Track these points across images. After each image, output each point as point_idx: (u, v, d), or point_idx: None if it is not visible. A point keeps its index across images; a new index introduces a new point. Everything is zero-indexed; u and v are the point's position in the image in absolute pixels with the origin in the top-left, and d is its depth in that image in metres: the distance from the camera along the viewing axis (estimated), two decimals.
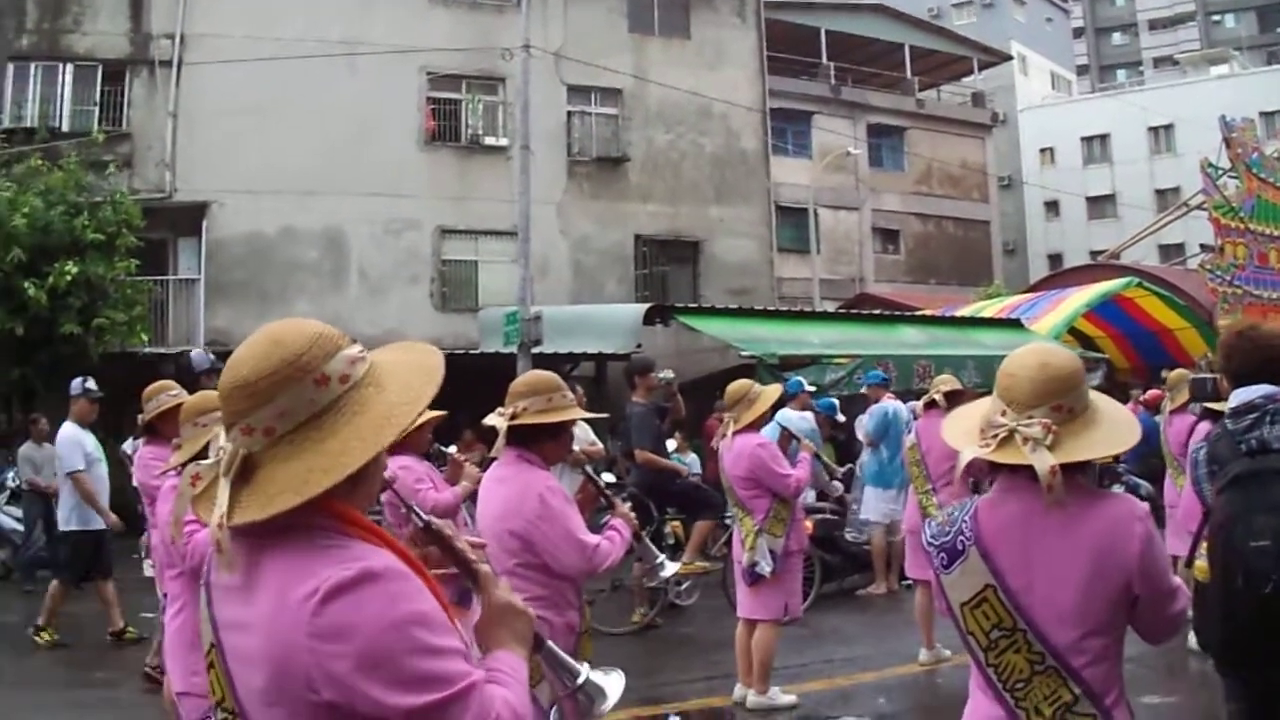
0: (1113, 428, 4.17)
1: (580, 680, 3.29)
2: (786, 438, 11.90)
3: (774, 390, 11.56)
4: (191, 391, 12.50)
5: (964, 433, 4.34)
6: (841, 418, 19.81)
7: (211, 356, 14.38)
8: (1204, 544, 6.01)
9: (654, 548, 7.97)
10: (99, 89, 33.28)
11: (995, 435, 4.09)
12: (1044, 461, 3.94)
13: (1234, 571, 5.61)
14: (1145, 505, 4.22)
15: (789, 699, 11.20)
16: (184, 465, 6.22)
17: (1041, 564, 4.07)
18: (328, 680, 2.63)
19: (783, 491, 10.78)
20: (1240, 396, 6.16)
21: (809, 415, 17.25)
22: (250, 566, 2.81)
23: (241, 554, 2.81)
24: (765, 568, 10.72)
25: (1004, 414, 4.11)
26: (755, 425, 10.93)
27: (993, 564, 4.12)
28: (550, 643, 3.30)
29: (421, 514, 3.26)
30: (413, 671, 2.64)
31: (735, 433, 10.83)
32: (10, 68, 32.94)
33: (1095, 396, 4.27)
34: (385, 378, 2.91)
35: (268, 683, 2.73)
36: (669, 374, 16.13)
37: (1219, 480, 5.97)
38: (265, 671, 2.72)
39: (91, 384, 15.18)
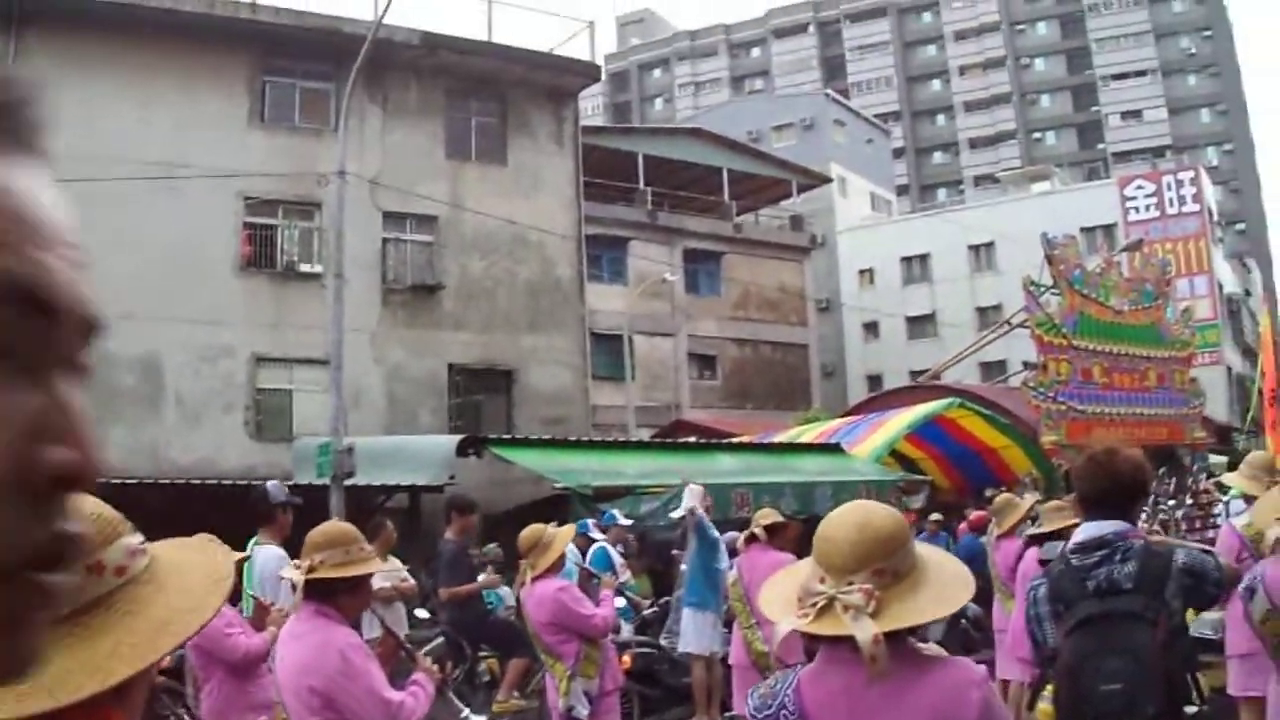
0: (941, 588, 3.99)
1: None
2: (586, 576, 12.04)
3: (568, 531, 11.54)
4: (265, 524, 12.31)
5: (781, 601, 4.17)
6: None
7: (286, 489, 14.04)
8: (1047, 687, 6.01)
9: (457, 701, 7.88)
10: None
11: (814, 604, 3.91)
12: (866, 631, 3.77)
13: (1083, 716, 5.59)
14: (982, 669, 4.05)
15: None
16: None
17: None
18: None
19: (589, 633, 10.62)
20: (1089, 531, 6.13)
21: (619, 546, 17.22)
22: None
23: None
24: (582, 711, 10.56)
25: (822, 580, 3.94)
26: (553, 569, 10.78)
27: None
28: None
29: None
30: None
31: (534, 579, 10.70)
32: None
33: (922, 551, 4.13)
34: (165, 576, 2.64)
35: None
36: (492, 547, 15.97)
37: (1066, 621, 5.94)
38: None
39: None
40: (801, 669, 4.14)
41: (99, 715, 2.38)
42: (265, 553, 11.41)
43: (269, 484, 13.03)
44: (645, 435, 39.08)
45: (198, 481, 25.55)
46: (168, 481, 23.96)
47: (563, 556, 10.97)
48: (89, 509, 2.55)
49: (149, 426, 32.28)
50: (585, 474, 23.71)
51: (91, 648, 2.42)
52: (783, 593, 4.20)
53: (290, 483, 27.30)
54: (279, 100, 36.71)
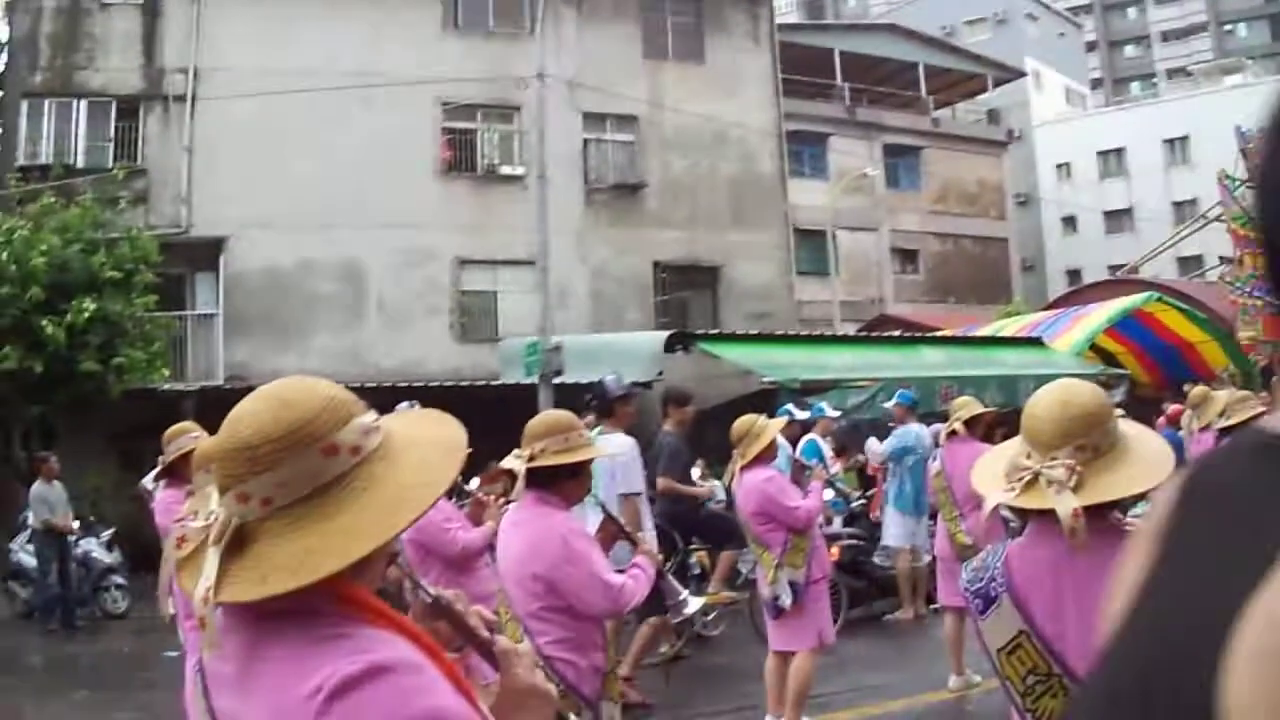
0: (1142, 464, 4.06)
1: None
2: (799, 467, 11.92)
3: (778, 423, 11.56)
4: (608, 418, 12.34)
5: (991, 477, 4.28)
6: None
7: (626, 381, 14.28)
8: None
9: (677, 584, 7.85)
10: (113, 125, 33.39)
11: (1020, 479, 4.04)
12: (1066, 505, 3.89)
13: None
14: None
15: None
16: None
17: (1074, 610, 3.99)
18: None
19: (794, 524, 10.66)
20: None
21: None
22: (246, 653, 2.56)
23: (235, 636, 2.59)
24: (786, 600, 10.62)
25: (1028, 456, 4.07)
26: (763, 459, 10.80)
27: (1026, 611, 4.06)
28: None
29: (429, 589, 3.02)
30: None
31: (743, 468, 10.76)
32: (24, 105, 33.09)
33: (1127, 429, 4.20)
34: (399, 452, 2.64)
35: None
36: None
37: None
38: None
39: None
40: (1010, 543, 4.26)
41: (339, 591, 2.48)
42: (618, 440, 12.16)
43: (607, 379, 13.31)
44: (850, 330, 38.85)
45: (404, 384, 25.77)
46: (373, 385, 24.24)
47: (773, 446, 10.99)
48: (323, 392, 2.61)
49: (352, 331, 32.92)
50: (792, 368, 23.75)
51: (329, 527, 2.47)
52: (992, 469, 4.30)
53: (497, 382, 27.66)
54: (471, 5, 36.92)
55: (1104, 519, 3.99)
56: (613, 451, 11.83)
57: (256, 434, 2.51)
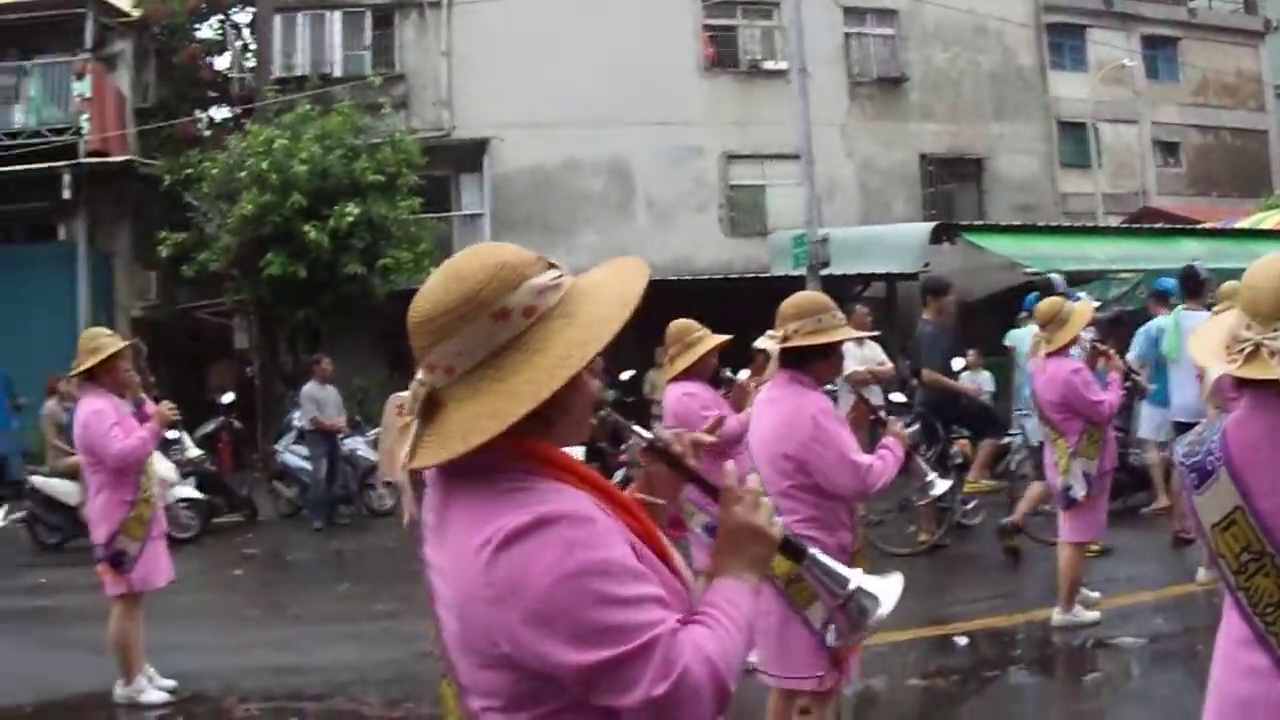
0: None
1: (850, 588, 2.99)
2: (1095, 356, 11.55)
3: (1085, 309, 11.29)
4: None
5: (1210, 349, 4.20)
6: None
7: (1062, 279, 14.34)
8: None
9: (925, 465, 7.85)
10: (369, 33, 34.00)
11: (1241, 350, 3.90)
12: None
13: None
14: None
15: (1093, 615, 11.14)
16: None
17: None
18: (503, 634, 2.58)
19: (1095, 417, 10.61)
20: None
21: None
22: (441, 507, 2.80)
23: (436, 491, 2.83)
24: (1079, 491, 10.61)
25: (1249, 327, 3.91)
26: (1067, 347, 10.75)
27: (1241, 485, 3.93)
28: (814, 551, 3.04)
29: (642, 432, 3.12)
30: (586, 625, 2.52)
31: (1048, 355, 10.68)
32: (277, 20, 33.81)
33: None
34: (580, 306, 2.75)
35: (457, 630, 2.73)
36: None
37: None
38: (454, 618, 2.72)
39: None
40: (1228, 416, 4.12)
41: (523, 448, 2.69)
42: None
43: (1051, 275, 13.30)
44: (1113, 223, 38.45)
45: (674, 279, 26.17)
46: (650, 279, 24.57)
47: (1078, 335, 10.89)
48: (494, 260, 2.74)
49: (621, 229, 33.09)
50: (1056, 259, 23.69)
51: (497, 391, 2.64)
52: (1212, 340, 4.24)
53: (766, 274, 27.98)
54: None
55: None
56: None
57: (434, 306, 2.70)
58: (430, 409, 2.72)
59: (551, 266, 2.78)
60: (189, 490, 19.11)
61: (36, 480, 18.86)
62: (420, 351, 2.74)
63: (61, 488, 18.39)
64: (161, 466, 19.10)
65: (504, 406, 2.61)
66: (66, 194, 31.35)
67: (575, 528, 2.56)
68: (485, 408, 2.63)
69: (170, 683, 10.21)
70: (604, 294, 2.80)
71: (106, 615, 10.05)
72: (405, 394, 2.81)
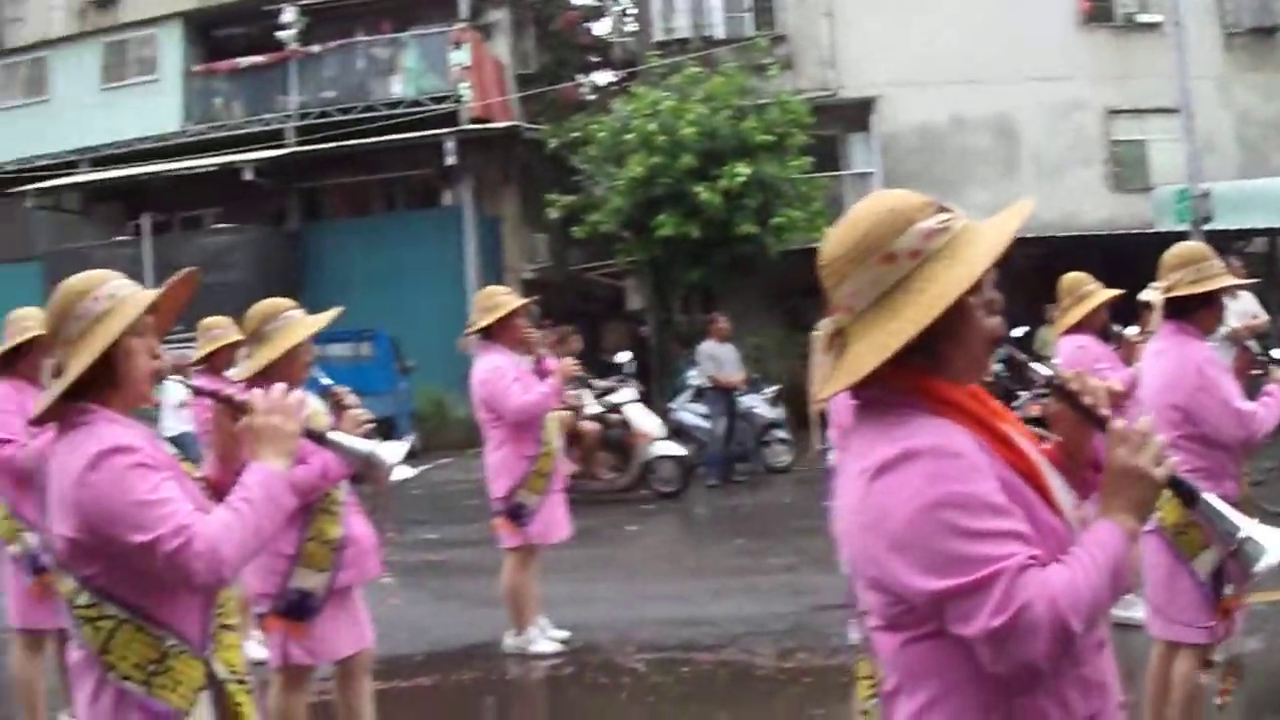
0: None
1: (1241, 535, 3.00)
2: None
3: None
4: None
5: None
6: None
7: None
8: None
9: None
10: None
11: None
12: None
13: None
14: None
15: None
16: None
17: None
18: (871, 558, 2.78)
19: None
20: None
21: None
22: (847, 441, 3.00)
23: (849, 428, 3.02)
24: None
25: None
26: None
27: None
28: (1208, 496, 3.02)
29: (1042, 368, 3.20)
30: (937, 554, 2.64)
31: None
32: None
33: None
34: (963, 248, 2.86)
35: (849, 555, 2.94)
36: None
37: None
38: (847, 543, 2.93)
39: None
40: None
41: (915, 384, 2.85)
42: None
43: None
44: None
45: (1060, 235, 25.90)
46: (1033, 236, 24.40)
47: None
48: (884, 206, 2.93)
49: (1006, 186, 32.22)
50: None
51: (886, 327, 2.80)
52: None
53: (1150, 230, 27.51)
54: None
55: None
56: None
57: (831, 252, 2.92)
58: (838, 346, 2.92)
59: (942, 210, 2.91)
60: (672, 447, 19.52)
61: None
62: (829, 293, 2.93)
63: None
64: (648, 422, 19.36)
65: (885, 341, 2.76)
66: (450, 160, 32.34)
67: (939, 461, 2.69)
68: (872, 343, 2.80)
69: (563, 634, 10.47)
70: (986, 234, 2.90)
71: (496, 569, 10.36)
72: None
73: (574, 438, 18.41)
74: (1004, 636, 2.60)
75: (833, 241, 2.94)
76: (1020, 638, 2.60)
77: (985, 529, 2.64)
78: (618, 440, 19.48)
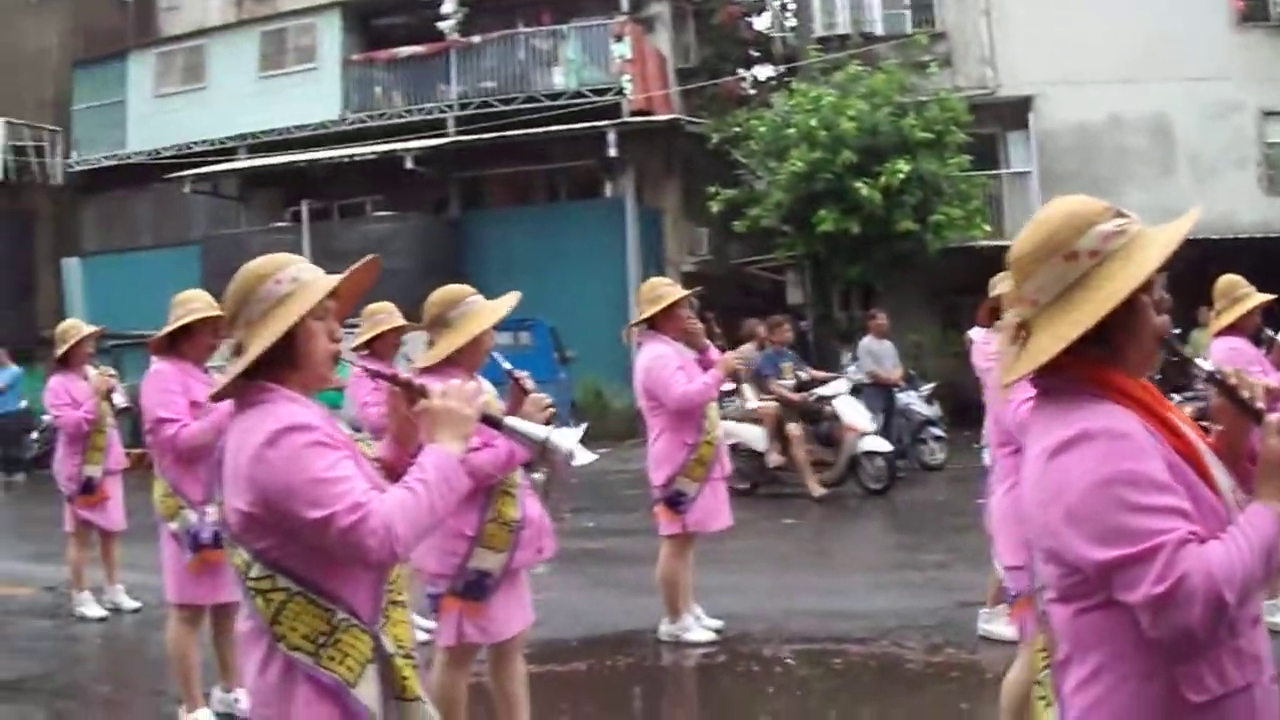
0: None
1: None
2: None
3: None
4: None
5: None
6: None
7: None
8: None
9: None
10: None
11: None
12: None
13: None
14: None
15: None
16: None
17: None
18: (1049, 531, 3.04)
19: None
20: None
21: None
22: (1031, 425, 3.26)
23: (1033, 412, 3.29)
24: None
25: None
26: None
27: None
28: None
29: (1203, 364, 3.37)
30: (1108, 526, 2.87)
31: None
32: None
33: None
34: (1136, 251, 3.10)
35: (1030, 531, 3.24)
36: None
37: None
38: (1028, 519, 3.21)
39: None
40: None
41: (1091, 374, 3.12)
42: None
43: None
44: None
45: (1214, 238, 25.59)
46: (1190, 238, 24.13)
47: None
48: (1068, 209, 3.19)
49: (1162, 187, 32.10)
50: None
51: (1063, 319, 3.08)
52: None
53: None
54: None
55: None
56: None
57: (1018, 249, 3.20)
58: (1022, 337, 3.19)
59: (1120, 215, 3.15)
60: (879, 443, 19.34)
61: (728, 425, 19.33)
62: (1016, 288, 3.23)
63: (748, 433, 19.03)
64: (858, 417, 19.28)
65: (1065, 332, 3.04)
66: (612, 152, 32.56)
67: (1112, 442, 2.95)
68: (1052, 334, 3.08)
69: (717, 623, 10.57)
70: (1158, 238, 3.14)
71: (653, 558, 10.50)
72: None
73: (780, 435, 18.79)
74: (1164, 604, 2.82)
75: (1020, 241, 3.19)
76: (1178, 605, 2.82)
77: (1151, 504, 2.88)
78: (826, 434, 19.35)
